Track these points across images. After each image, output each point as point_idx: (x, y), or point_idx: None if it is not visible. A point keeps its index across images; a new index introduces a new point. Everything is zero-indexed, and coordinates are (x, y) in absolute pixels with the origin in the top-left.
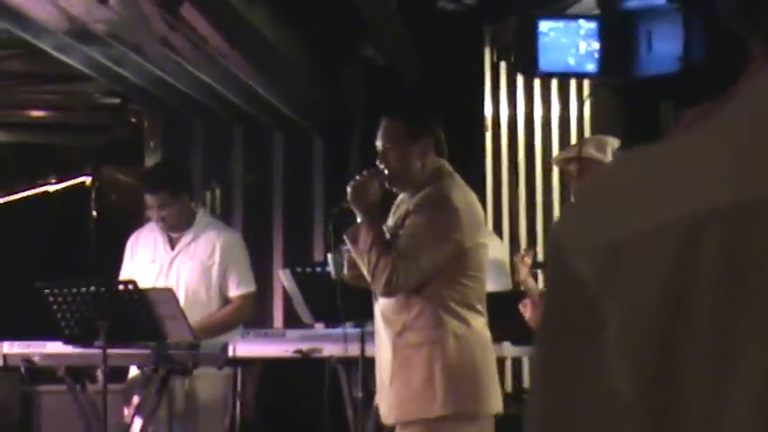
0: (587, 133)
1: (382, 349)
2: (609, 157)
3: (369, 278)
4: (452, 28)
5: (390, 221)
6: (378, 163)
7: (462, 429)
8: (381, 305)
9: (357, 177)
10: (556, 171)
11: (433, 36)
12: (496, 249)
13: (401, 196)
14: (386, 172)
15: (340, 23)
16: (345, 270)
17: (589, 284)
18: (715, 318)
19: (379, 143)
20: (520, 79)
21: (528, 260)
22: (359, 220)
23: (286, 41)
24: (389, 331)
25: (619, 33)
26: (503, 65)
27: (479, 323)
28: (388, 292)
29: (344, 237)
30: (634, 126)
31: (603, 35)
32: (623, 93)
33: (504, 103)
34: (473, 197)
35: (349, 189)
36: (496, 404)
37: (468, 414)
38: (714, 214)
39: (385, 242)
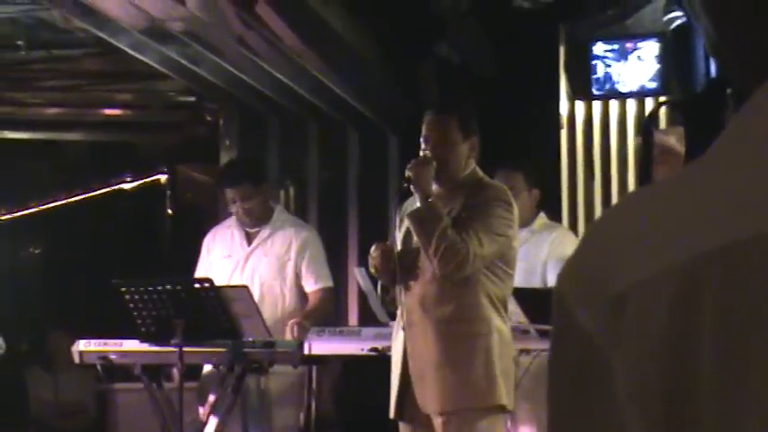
0: None
1: (419, 340)
2: None
3: (434, 258)
4: (527, 26)
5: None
6: (423, 152)
7: (498, 420)
8: (420, 295)
9: (415, 160)
10: (631, 170)
11: (507, 34)
12: (572, 246)
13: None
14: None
15: (415, 21)
16: (376, 262)
17: (595, 336)
18: (718, 361)
19: (428, 134)
20: None
21: None
22: (418, 203)
23: (361, 39)
24: (431, 320)
25: (678, 49)
26: None
27: (505, 321)
28: (456, 272)
29: (407, 217)
30: (697, 143)
31: (663, 52)
32: (683, 108)
33: (579, 101)
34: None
35: (411, 172)
36: (513, 402)
37: (503, 407)
38: (710, 257)
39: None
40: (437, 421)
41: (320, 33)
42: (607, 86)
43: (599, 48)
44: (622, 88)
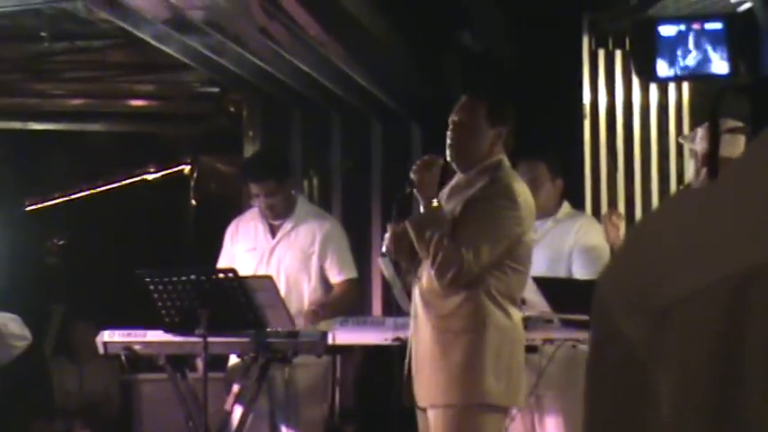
0: (686, 120)
1: (420, 332)
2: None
3: (431, 267)
4: (550, 15)
5: (446, 206)
6: (448, 135)
7: (493, 419)
8: (423, 288)
9: (420, 162)
10: (654, 159)
11: (531, 23)
12: (598, 235)
13: (455, 181)
14: (451, 146)
15: (438, 11)
16: (388, 243)
17: (639, 347)
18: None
19: (455, 117)
20: (618, 66)
21: (617, 220)
22: (422, 209)
23: (384, 29)
24: (430, 314)
25: (746, 32)
26: (601, 52)
27: (518, 316)
28: (452, 285)
29: (407, 224)
30: (763, 128)
31: (730, 35)
32: (750, 93)
33: (602, 90)
34: (529, 193)
35: (415, 175)
36: (523, 399)
37: (500, 405)
38: (758, 272)
39: (451, 235)
40: (430, 414)
41: (343, 23)
42: (673, 69)
43: (665, 29)
44: (688, 71)
